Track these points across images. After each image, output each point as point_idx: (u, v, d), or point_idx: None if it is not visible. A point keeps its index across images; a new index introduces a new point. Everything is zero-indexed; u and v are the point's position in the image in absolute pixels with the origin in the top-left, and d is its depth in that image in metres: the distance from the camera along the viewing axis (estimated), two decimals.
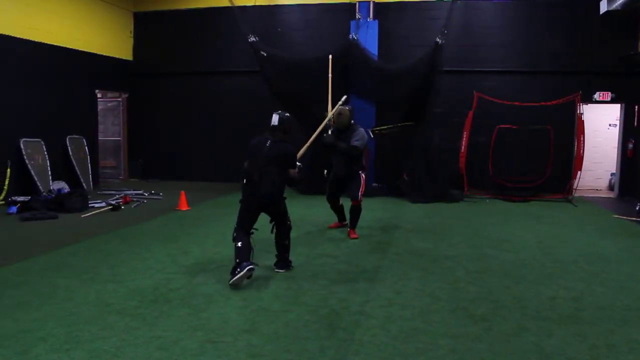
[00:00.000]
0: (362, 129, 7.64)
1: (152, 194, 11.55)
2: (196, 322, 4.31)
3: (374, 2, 12.47)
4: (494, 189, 11.92)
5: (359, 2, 12.43)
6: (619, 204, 11.32)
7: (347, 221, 7.96)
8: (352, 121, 7.64)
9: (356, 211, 7.66)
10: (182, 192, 10.07)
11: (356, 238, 7.53)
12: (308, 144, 6.73)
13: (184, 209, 9.81)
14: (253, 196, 5.61)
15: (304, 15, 13.44)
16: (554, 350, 3.87)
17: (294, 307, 4.73)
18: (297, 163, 5.87)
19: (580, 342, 4.01)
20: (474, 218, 9.38)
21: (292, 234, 6.02)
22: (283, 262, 5.92)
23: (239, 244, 5.44)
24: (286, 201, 5.87)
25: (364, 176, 7.63)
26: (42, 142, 10.99)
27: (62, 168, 11.65)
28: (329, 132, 7.41)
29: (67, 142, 11.87)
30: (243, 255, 5.36)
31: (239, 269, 5.22)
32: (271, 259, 6.04)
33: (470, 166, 11.82)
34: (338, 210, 8.26)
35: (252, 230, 5.71)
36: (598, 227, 8.73)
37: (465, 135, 11.73)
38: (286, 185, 5.80)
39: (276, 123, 5.77)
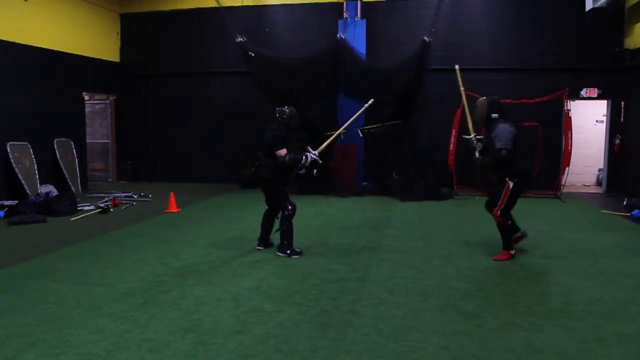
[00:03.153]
0: (503, 125, 6.13)
1: (141, 196, 11.50)
2: (187, 324, 4.30)
3: (361, 1, 12.49)
4: (483, 187, 11.95)
5: (346, 1, 12.45)
6: (606, 200, 11.41)
7: (521, 229, 6.69)
8: (495, 115, 6.21)
9: (498, 228, 6.39)
10: (172, 193, 10.03)
11: (500, 259, 6.29)
12: (328, 142, 7.06)
13: (174, 210, 9.77)
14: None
15: (292, 14, 13.44)
16: (545, 345, 3.89)
17: (286, 307, 4.73)
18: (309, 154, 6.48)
19: (570, 337, 4.04)
20: (464, 216, 9.41)
21: None
22: (281, 246, 6.52)
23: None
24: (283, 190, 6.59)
25: (511, 185, 6.18)
26: (29, 146, 10.91)
27: (50, 171, 11.57)
28: (476, 148, 6.42)
29: (55, 145, 11.79)
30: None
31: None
32: (263, 257, 6.04)
33: (459, 164, 11.85)
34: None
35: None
36: (587, 222, 8.80)
37: (453, 133, 11.75)
38: (285, 170, 6.45)
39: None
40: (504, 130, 6.08)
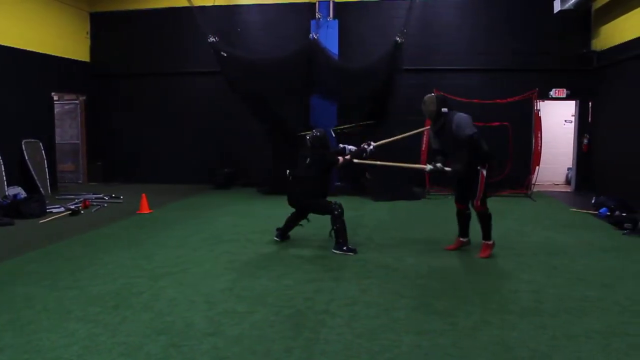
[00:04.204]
0: (460, 114, 6.23)
1: (112, 197, 11.35)
2: (160, 327, 4.25)
3: (334, 1, 12.50)
4: (454, 187, 12.03)
5: (319, 1, 12.43)
6: (575, 198, 11.61)
7: (469, 237, 6.83)
8: (445, 109, 6.23)
9: (480, 218, 6.35)
10: (143, 194, 9.92)
11: (487, 257, 6.38)
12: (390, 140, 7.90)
13: (146, 212, 9.66)
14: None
15: (264, 14, 13.40)
16: (517, 342, 3.94)
17: (259, 308, 4.70)
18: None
19: (541, 334, 4.10)
20: (436, 215, 9.48)
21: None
22: (337, 244, 6.75)
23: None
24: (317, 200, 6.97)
25: (484, 173, 6.22)
26: None
27: (18, 173, 11.32)
28: (444, 168, 6.42)
29: (23, 146, 11.55)
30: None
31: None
32: (236, 259, 6.01)
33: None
34: (462, 220, 6.75)
35: (301, 223, 7.34)
36: (557, 221, 8.94)
37: (425, 133, 11.82)
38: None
39: (309, 144, 7.09)
40: (463, 117, 6.17)
